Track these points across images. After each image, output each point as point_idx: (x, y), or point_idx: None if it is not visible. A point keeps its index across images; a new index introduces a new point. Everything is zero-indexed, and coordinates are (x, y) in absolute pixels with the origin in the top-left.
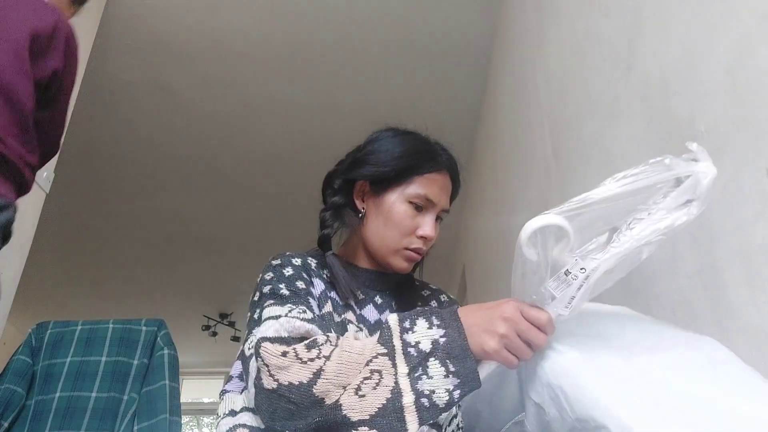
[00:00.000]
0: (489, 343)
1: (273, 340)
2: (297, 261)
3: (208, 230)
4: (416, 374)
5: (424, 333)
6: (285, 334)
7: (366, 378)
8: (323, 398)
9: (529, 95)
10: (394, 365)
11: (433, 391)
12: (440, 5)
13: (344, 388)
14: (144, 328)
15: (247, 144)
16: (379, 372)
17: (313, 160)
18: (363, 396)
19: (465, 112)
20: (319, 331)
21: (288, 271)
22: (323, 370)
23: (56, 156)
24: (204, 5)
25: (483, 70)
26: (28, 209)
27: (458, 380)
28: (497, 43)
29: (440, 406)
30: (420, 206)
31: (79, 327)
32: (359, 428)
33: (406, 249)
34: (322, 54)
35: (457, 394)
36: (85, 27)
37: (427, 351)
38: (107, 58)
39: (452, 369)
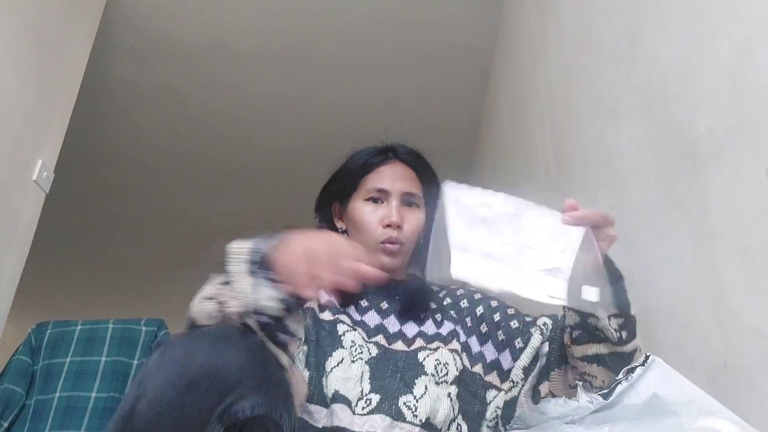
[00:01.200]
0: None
1: None
2: None
3: (209, 230)
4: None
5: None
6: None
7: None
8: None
9: (529, 96)
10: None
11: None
12: (442, 7)
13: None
14: (144, 328)
15: (248, 144)
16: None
17: (315, 161)
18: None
19: (466, 112)
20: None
21: None
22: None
23: (56, 156)
24: (205, 5)
25: (484, 71)
26: (28, 209)
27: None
28: (498, 44)
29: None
30: (376, 199)
31: (79, 327)
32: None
33: (380, 243)
34: (324, 55)
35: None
36: (85, 27)
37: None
38: (108, 58)
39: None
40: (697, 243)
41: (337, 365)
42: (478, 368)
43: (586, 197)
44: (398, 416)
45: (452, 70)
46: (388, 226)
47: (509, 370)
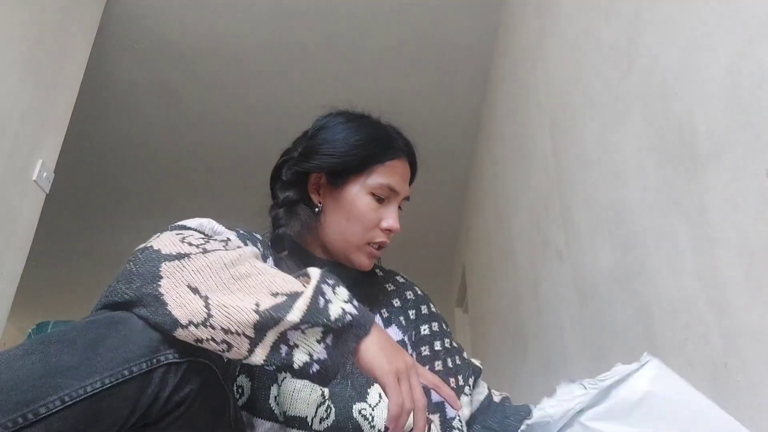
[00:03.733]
0: (384, 364)
1: (174, 227)
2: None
3: None
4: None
5: (340, 301)
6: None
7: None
8: (162, 276)
9: (529, 95)
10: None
11: (297, 345)
12: (441, 6)
13: (192, 289)
14: None
15: (247, 144)
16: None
17: None
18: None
19: (465, 112)
20: (241, 244)
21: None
22: (189, 256)
23: (56, 156)
24: (204, 5)
25: (484, 71)
26: (28, 209)
27: (325, 355)
28: (498, 44)
29: (292, 364)
30: (382, 198)
31: None
32: (188, 329)
33: (369, 244)
34: (323, 55)
35: (315, 367)
36: (85, 27)
37: (330, 316)
38: (107, 58)
39: (329, 342)
40: (696, 243)
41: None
42: None
43: (586, 197)
44: (355, 429)
45: (452, 70)
46: (387, 230)
47: (451, 419)
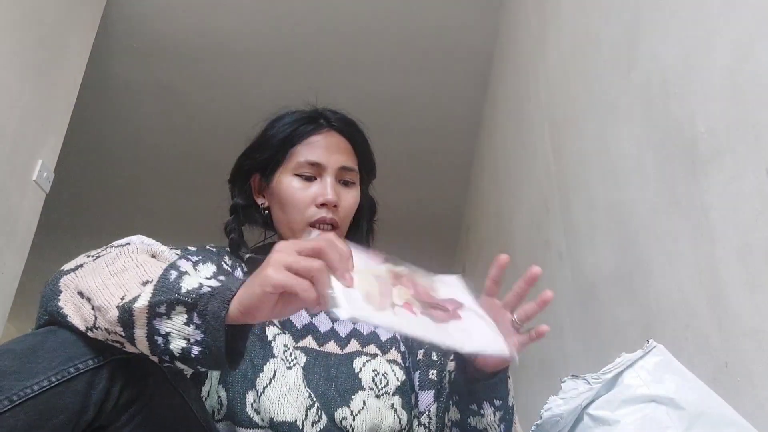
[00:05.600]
0: (259, 288)
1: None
2: (211, 249)
3: (209, 230)
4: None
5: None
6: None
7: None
8: (61, 290)
9: (529, 96)
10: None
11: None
12: (442, 6)
13: (80, 294)
14: None
15: (247, 144)
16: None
17: None
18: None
19: (466, 112)
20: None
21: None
22: (83, 266)
23: (56, 156)
24: (204, 5)
25: (484, 71)
26: (28, 209)
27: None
28: (498, 44)
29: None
30: (308, 175)
31: None
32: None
33: (310, 224)
34: (323, 55)
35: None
36: (85, 27)
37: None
38: (107, 58)
39: (198, 321)
40: (696, 243)
41: (271, 381)
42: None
43: (586, 197)
44: None
45: (452, 71)
46: (323, 205)
47: (420, 414)
